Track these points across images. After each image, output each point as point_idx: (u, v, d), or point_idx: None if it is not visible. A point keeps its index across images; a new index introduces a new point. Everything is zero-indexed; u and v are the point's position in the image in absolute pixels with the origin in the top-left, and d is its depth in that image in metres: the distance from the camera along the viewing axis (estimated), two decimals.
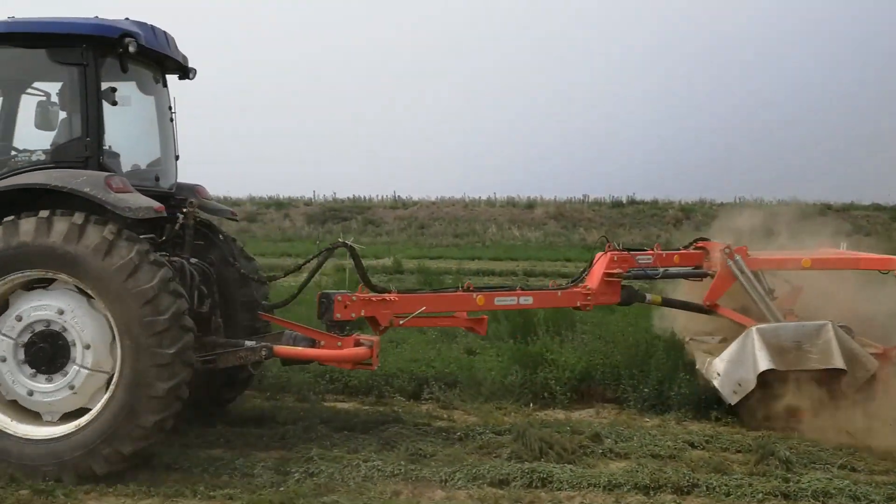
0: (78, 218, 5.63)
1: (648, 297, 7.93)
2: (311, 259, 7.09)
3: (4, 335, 5.78)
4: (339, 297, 6.74)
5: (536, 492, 5.54)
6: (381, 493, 5.45)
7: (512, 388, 7.99)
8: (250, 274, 7.08)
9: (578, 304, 7.56)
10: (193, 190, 7.20)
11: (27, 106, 6.49)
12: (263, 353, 6.54)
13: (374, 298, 6.90)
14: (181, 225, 6.57)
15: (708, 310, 7.82)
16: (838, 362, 6.88)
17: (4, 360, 5.77)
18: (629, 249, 7.89)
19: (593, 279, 7.60)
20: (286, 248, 31.90)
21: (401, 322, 7.00)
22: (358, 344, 6.52)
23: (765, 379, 6.97)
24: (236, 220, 7.88)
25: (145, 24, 6.63)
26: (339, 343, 6.54)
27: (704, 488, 5.55)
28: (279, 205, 41.50)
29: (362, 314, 6.84)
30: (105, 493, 5.42)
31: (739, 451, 6.49)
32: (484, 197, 40.96)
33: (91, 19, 6.29)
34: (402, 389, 8.13)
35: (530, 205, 39.28)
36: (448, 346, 9.54)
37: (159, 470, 5.86)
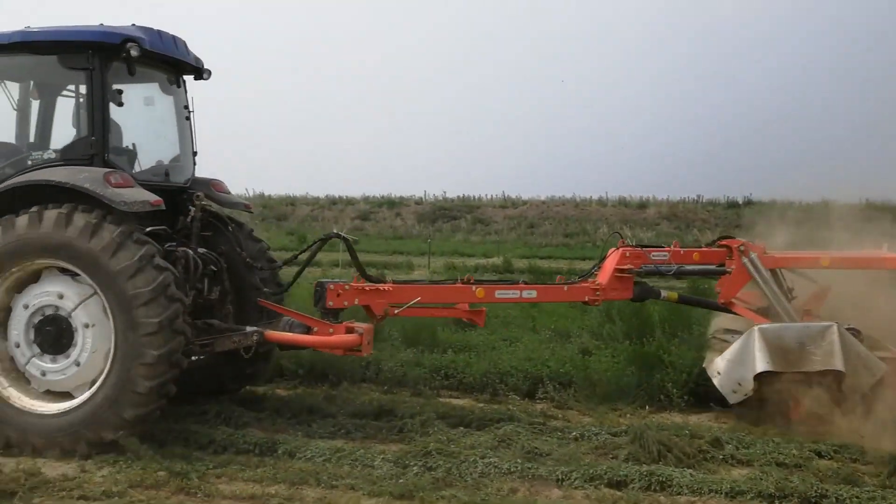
0: (65, 208, 6.21)
1: (664, 294, 7.88)
2: (305, 250, 7.51)
3: (23, 355, 6.45)
4: (332, 286, 7.01)
5: (655, 495, 5.46)
6: (499, 490, 5.47)
7: (627, 389, 7.90)
8: (256, 263, 7.53)
9: (587, 299, 7.59)
10: (209, 184, 7.65)
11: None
12: (255, 337, 6.92)
13: (367, 288, 7.12)
14: (191, 217, 7.14)
15: (724, 307, 7.76)
16: (838, 364, 6.79)
17: (44, 374, 6.38)
18: (643, 246, 7.94)
19: (604, 274, 7.61)
20: (398, 246, 32.34)
21: (396, 312, 7.20)
22: (350, 331, 6.77)
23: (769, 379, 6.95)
24: (251, 213, 8.41)
25: (151, 29, 7.04)
26: (331, 330, 6.82)
27: (833, 500, 5.32)
28: (391, 203, 42.19)
29: (356, 303, 7.09)
30: (234, 479, 5.65)
31: (870, 463, 6.19)
32: (595, 196, 40.51)
33: (96, 27, 6.77)
34: (516, 388, 8.17)
35: (642, 205, 38.60)
36: (562, 346, 9.51)
37: (283, 458, 6.07)
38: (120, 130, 7.13)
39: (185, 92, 7.80)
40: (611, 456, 6.21)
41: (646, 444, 6.20)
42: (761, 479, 5.60)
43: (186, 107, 7.77)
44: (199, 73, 7.82)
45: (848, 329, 7.03)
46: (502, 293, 7.59)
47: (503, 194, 42.16)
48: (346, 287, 7.04)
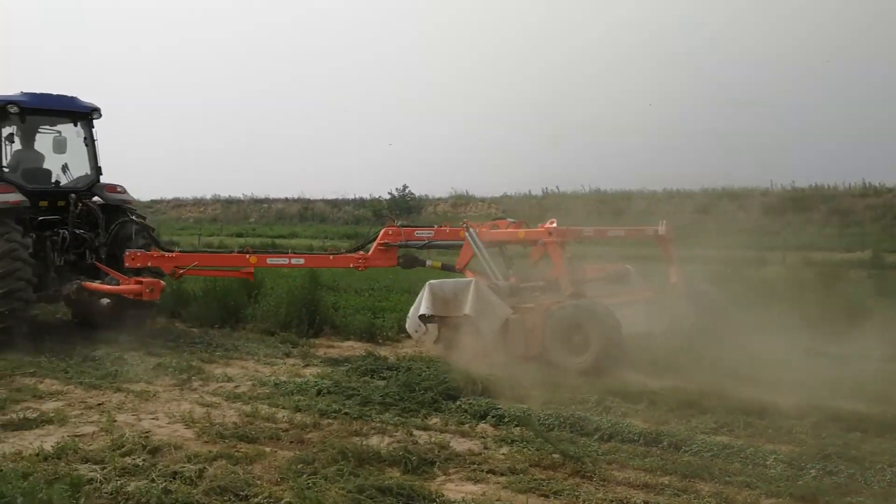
0: None
1: (428, 262, 10.27)
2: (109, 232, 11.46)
3: None
4: (128, 253, 10.48)
5: None
6: None
7: None
8: (102, 239, 11.26)
9: (352, 265, 10.29)
10: (104, 187, 11.62)
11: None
12: (75, 287, 10.69)
13: (155, 254, 10.53)
14: (72, 210, 11.18)
15: (460, 272, 9.93)
16: (467, 310, 8.97)
17: None
18: (406, 226, 10.37)
19: (373, 248, 10.18)
20: (740, 240, 30.78)
21: (181, 272, 10.53)
22: (137, 283, 10.10)
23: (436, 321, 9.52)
24: (130, 206, 11.70)
25: (35, 93, 11.14)
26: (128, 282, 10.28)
27: None
28: (732, 195, 40.30)
29: (148, 265, 10.49)
30: (625, 466, 5.81)
31: None
32: None
33: None
34: None
35: None
36: None
37: (669, 450, 6.13)
38: (40, 157, 11.67)
39: (89, 127, 11.74)
40: None
41: None
42: None
43: (86, 138, 11.72)
44: (91, 115, 11.69)
45: (490, 285, 9.21)
46: (273, 260, 10.95)
47: (863, 182, 38.28)
48: (139, 253, 10.45)
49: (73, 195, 11.31)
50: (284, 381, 8.40)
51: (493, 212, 46.93)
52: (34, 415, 7.14)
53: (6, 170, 11.03)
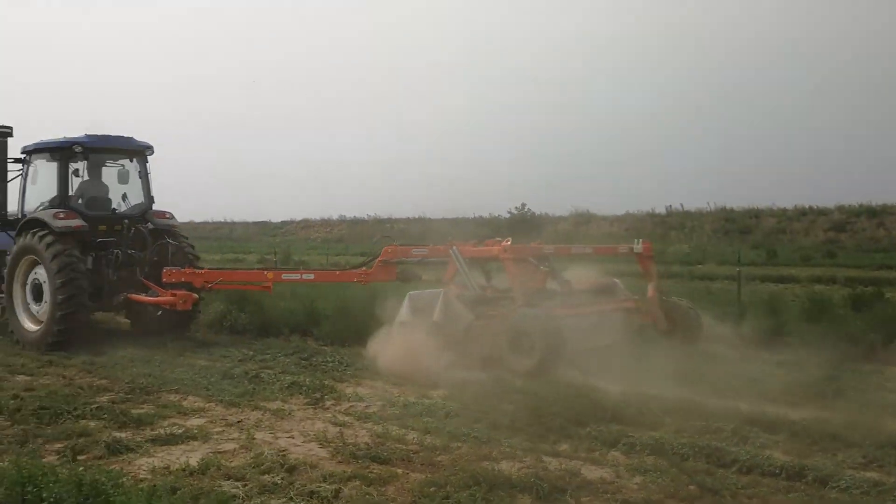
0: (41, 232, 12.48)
1: (423, 277, 11.61)
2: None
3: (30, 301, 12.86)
4: (166, 269, 12.41)
5: None
6: None
7: None
8: (144, 258, 13.03)
9: (356, 280, 11.64)
10: (154, 214, 13.60)
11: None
12: (122, 298, 12.76)
13: (187, 271, 12.46)
14: (125, 233, 13.11)
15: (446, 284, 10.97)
16: (436, 317, 10.18)
17: (35, 311, 12.73)
18: (408, 245, 11.61)
19: (374, 264, 11.36)
20: (880, 260, 29.33)
21: (209, 286, 12.34)
22: (172, 296, 12.08)
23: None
24: (176, 230, 13.66)
25: (96, 134, 13.28)
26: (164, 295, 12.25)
27: None
28: (872, 212, 38.35)
29: (182, 280, 12.31)
30: (768, 501, 5.58)
31: None
32: None
33: (60, 138, 13.14)
34: None
35: None
36: None
37: (814, 485, 5.84)
38: (102, 188, 13.61)
39: (143, 163, 13.84)
40: None
41: None
42: None
43: (141, 172, 13.80)
44: (144, 152, 13.81)
45: (457, 296, 10.39)
46: (287, 276, 12.56)
47: None
48: (174, 270, 12.40)
49: (126, 220, 13.27)
50: (413, 402, 8.51)
51: (615, 230, 46.23)
52: (179, 430, 7.50)
53: (72, 199, 13.15)
